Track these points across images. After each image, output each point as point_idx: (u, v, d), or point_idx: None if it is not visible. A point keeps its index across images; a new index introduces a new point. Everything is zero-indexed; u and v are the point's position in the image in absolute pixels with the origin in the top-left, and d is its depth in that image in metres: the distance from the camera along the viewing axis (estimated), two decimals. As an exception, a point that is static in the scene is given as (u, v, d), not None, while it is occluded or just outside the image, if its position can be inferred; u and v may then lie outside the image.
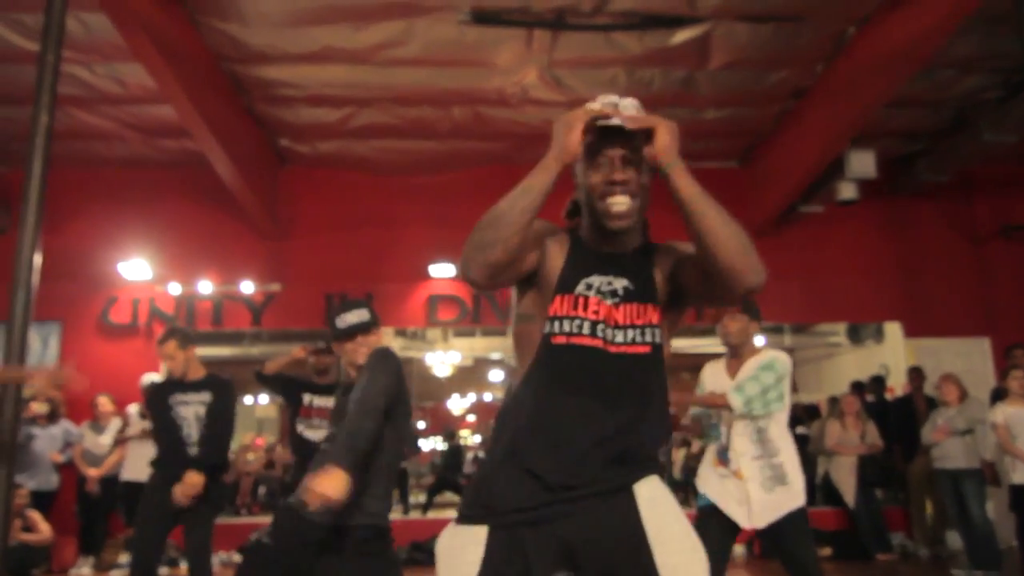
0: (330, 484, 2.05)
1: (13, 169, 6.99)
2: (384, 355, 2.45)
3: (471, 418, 11.19)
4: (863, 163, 5.72)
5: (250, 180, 6.17)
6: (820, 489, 6.61)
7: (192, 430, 3.50)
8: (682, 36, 5.09)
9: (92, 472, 6.12)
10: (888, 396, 7.17)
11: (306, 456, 3.21)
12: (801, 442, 6.39)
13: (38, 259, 3.33)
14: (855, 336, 8.26)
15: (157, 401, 3.59)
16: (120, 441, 6.16)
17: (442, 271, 7.04)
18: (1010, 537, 5.63)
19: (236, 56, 5.38)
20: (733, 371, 3.05)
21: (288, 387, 3.88)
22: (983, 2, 4.10)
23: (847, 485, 6.18)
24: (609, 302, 1.47)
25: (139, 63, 4.77)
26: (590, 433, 1.38)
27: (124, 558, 5.98)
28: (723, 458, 2.98)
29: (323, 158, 6.97)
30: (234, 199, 6.36)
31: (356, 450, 2.17)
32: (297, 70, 5.54)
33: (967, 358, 6.92)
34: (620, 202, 1.46)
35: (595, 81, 5.70)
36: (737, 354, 3.06)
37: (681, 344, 8.02)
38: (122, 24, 4.31)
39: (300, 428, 3.76)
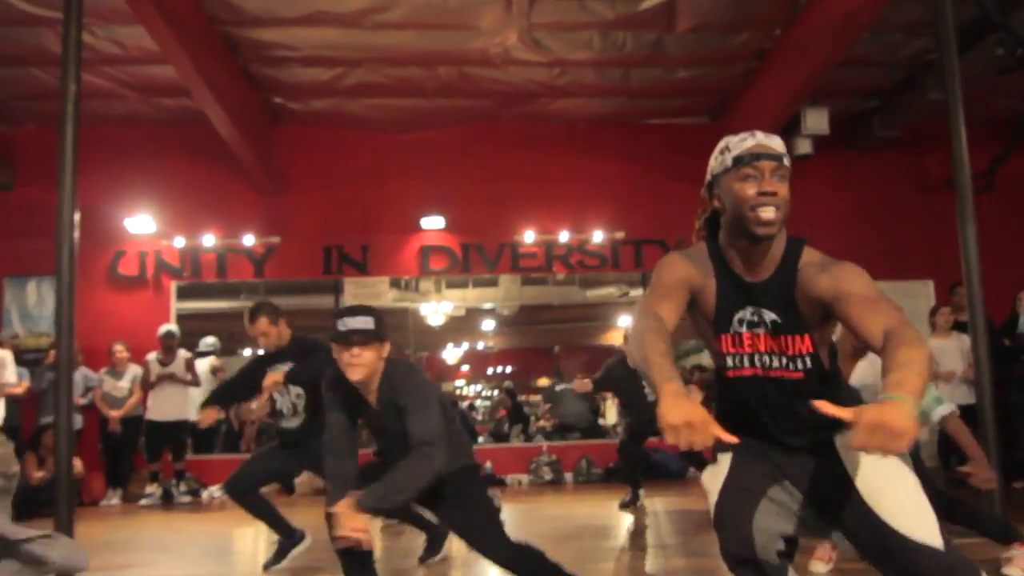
0: (357, 523, 2.15)
1: (14, 127, 7.33)
2: (422, 385, 2.40)
3: (465, 368, 11.63)
4: (818, 120, 6.20)
5: (247, 137, 6.53)
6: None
7: (285, 400, 3.58)
8: (650, 2, 5.47)
9: (113, 413, 6.64)
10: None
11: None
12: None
13: (77, 217, 3.73)
14: None
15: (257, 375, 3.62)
16: (146, 387, 6.64)
17: (433, 223, 7.50)
18: (929, 458, 6.34)
19: (231, 19, 5.69)
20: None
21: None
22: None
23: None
24: (761, 332, 1.63)
25: (141, 26, 5.08)
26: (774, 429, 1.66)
27: (150, 489, 6.57)
28: None
29: (316, 116, 7.32)
30: (232, 156, 6.74)
31: (394, 502, 2.26)
32: (290, 32, 5.86)
33: (914, 299, 7.54)
34: (769, 211, 1.57)
35: (571, 43, 6.10)
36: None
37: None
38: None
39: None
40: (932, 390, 3.05)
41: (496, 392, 10.31)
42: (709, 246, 1.71)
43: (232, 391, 3.89)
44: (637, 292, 8.08)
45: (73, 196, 3.74)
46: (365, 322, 2.34)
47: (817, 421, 1.45)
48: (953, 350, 5.43)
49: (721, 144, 1.69)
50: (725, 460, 1.67)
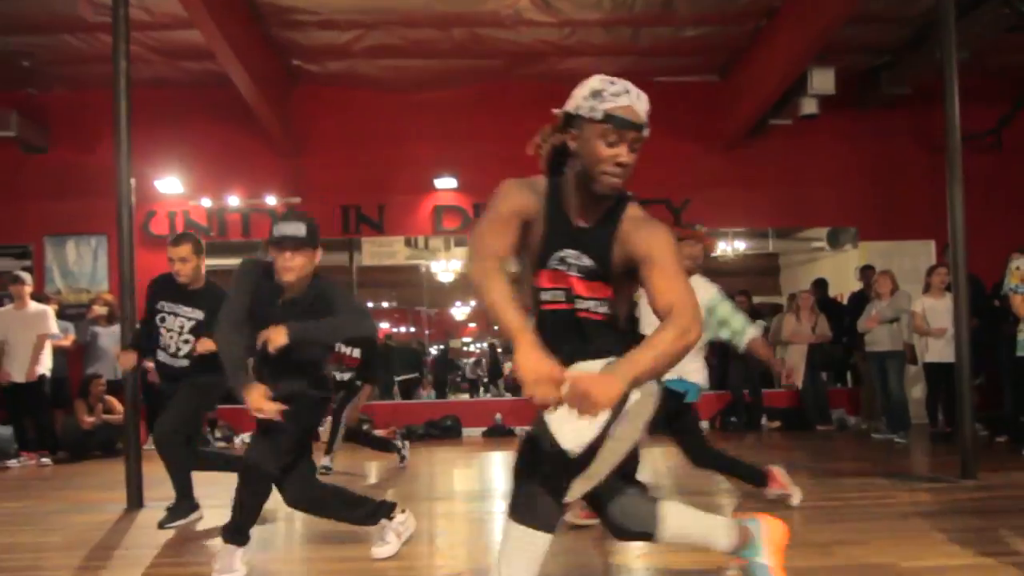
0: (264, 405, 2.41)
1: (45, 91, 7.64)
2: (354, 299, 2.69)
3: (472, 325, 11.95)
4: (824, 80, 6.28)
5: (268, 98, 6.79)
6: (776, 374, 7.54)
7: (172, 340, 3.53)
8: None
9: (150, 364, 7.07)
10: (838, 298, 7.97)
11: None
12: (762, 333, 7.34)
13: (133, 182, 4.11)
14: (835, 241, 8.84)
15: (152, 299, 3.57)
16: None
17: (446, 183, 7.75)
18: (922, 416, 6.60)
19: (254, -15, 5.90)
20: None
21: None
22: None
23: (798, 370, 7.08)
24: (577, 273, 1.72)
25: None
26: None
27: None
28: None
29: (332, 77, 7.54)
30: (253, 118, 7.01)
31: (316, 337, 2.57)
32: (309, -3, 6.03)
33: (915, 258, 7.69)
34: (617, 179, 1.65)
35: (581, 3, 6.21)
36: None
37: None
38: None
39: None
40: (741, 318, 3.31)
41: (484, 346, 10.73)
42: (550, 184, 1.75)
43: (148, 335, 3.69)
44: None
45: (128, 163, 4.11)
46: (297, 228, 2.50)
47: (580, 358, 1.66)
48: (944, 309, 5.62)
49: (593, 84, 1.66)
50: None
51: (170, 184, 7.50)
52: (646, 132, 1.65)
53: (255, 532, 2.70)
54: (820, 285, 7.85)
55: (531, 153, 1.80)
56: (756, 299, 8.81)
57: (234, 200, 7.64)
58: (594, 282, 1.71)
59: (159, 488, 3.90)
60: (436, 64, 7.27)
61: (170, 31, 6.41)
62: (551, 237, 1.71)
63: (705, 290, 3.25)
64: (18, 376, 6.12)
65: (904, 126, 7.72)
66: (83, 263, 7.73)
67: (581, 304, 1.72)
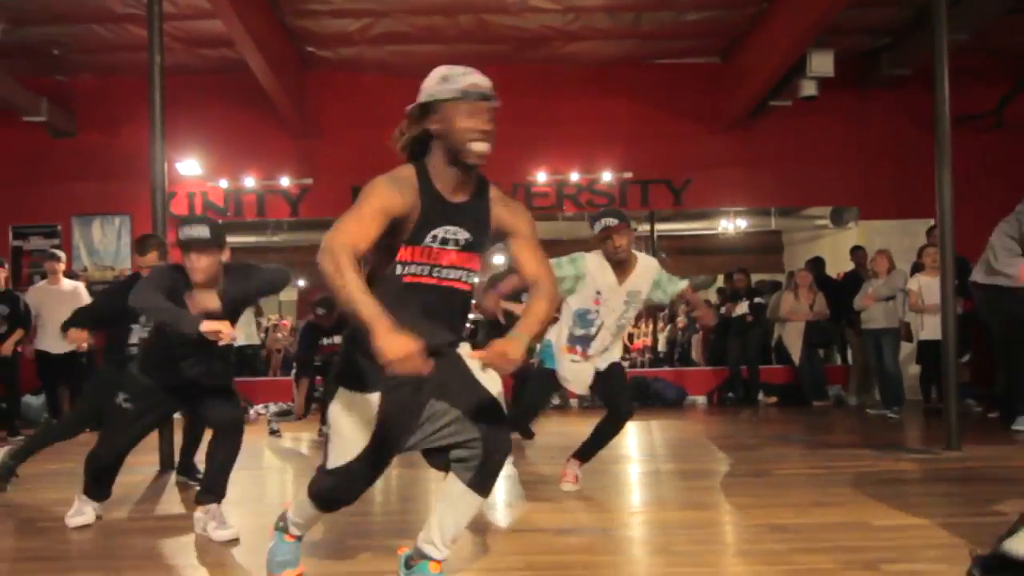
0: (221, 328, 2.57)
1: (72, 77, 7.89)
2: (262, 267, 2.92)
3: (472, 301, 12.21)
4: (823, 63, 6.40)
5: (283, 83, 6.99)
6: (774, 350, 7.78)
7: None
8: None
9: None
10: (838, 276, 8.12)
11: None
12: (759, 310, 7.55)
13: (167, 167, 4.38)
14: (838, 219, 8.96)
15: None
16: None
17: (453, 165, 7.95)
18: (914, 391, 6.77)
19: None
20: (622, 278, 3.29)
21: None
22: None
23: (795, 346, 7.31)
24: (451, 248, 1.84)
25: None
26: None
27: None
28: (582, 346, 3.34)
29: (343, 62, 7.73)
30: (267, 102, 7.22)
31: (246, 298, 2.95)
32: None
33: (915, 237, 7.81)
34: (484, 146, 1.79)
35: (586, -10, 6.35)
36: (624, 264, 3.28)
37: (662, 228, 9.00)
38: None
39: None
40: (675, 280, 3.44)
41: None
42: (417, 168, 1.85)
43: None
44: (644, 228, 8.48)
45: (162, 151, 4.38)
46: (201, 231, 2.59)
47: (458, 327, 1.94)
48: (938, 287, 5.78)
49: (441, 71, 1.83)
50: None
51: (189, 166, 7.76)
52: (496, 102, 1.83)
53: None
54: (816, 263, 8.00)
55: (393, 147, 1.93)
56: (760, 276, 9.01)
57: (250, 181, 7.90)
58: (468, 253, 1.87)
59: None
60: (443, 49, 7.42)
61: (192, 21, 6.62)
62: (428, 216, 1.80)
63: (650, 263, 3.40)
64: (52, 348, 6.45)
65: (904, 107, 7.82)
66: (108, 242, 8.05)
67: (452, 274, 1.87)
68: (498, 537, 2.74)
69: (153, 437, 4.54)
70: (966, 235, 6.37)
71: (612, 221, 3.21)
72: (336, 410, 1.89)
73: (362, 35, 7.06)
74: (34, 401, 6.97)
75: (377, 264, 1.88)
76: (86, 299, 6.72)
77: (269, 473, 4.60)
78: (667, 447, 5.17)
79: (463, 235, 1.85)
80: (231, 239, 2.80)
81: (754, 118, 7.74)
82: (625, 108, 7.87)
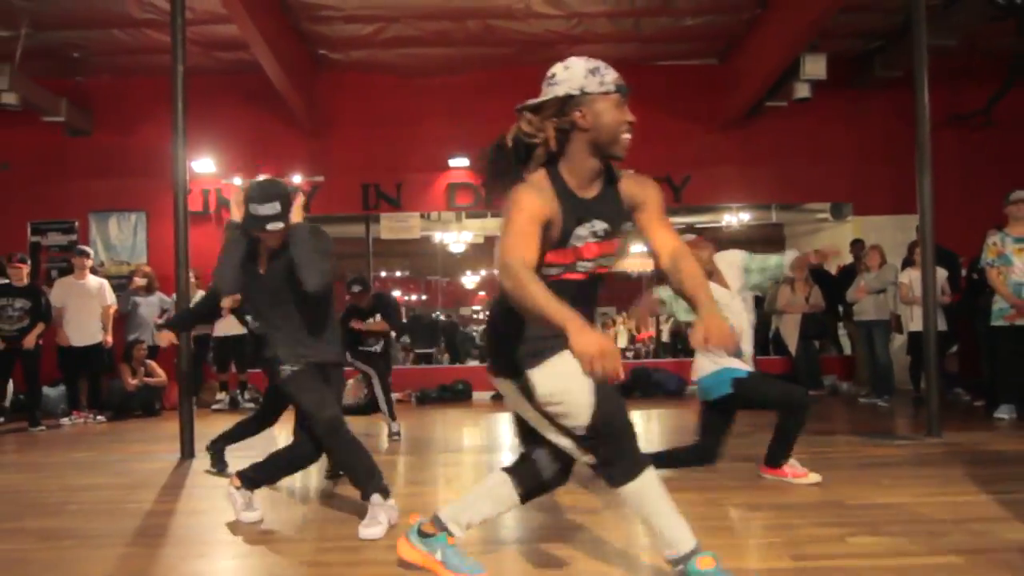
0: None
1: (92, 78, 8.14)
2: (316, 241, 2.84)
3: (482, 293, 12.37)
4: (816, 66, 6.62)
5: (295, 84, 7.25)
6: (771, 342, 8.02)
7: None
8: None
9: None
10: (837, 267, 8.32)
11: None
12: (757, 303, 7.75)
13: (189, 167, 4.64)
14: (838, 212, 9.11)
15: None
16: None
17: (459, 163, 8.22)
18: (907, 381, 6.99)
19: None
20: (722, 284, 3.44)
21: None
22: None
23: (791, 338, 7.51)
24: (592, 241, 1.85)
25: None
26: None
27: (219, 396, 7.67)
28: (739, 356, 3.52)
29: (354, 64, 7.97)
30: (280, 102, 7.48)
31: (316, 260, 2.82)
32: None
33: (908, 232, 8.03)
34: (629, 138, 1.82)
35: (587, -3, 6.58)
36: (712, 276, 3.40)
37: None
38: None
39: None
40: (767, 257, 3.54)
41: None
42: (549, 172, 1.83)
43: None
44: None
45: (184, 154, 4.63)
46: (273, 208, 2.68)
47: (594, 310, 1.92)
48: (930, 282, 6.03)
49: (589, 64, 1.80)
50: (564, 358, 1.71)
51: (204, 164, 8.02)
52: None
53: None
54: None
55: (529, 140, 1.86)
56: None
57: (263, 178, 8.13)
58: (608, 241, 1.86)
59: (206, 441, 4.37)
60: (451, 52, 7.68)
61: (208, 25, 6.86)
62: (569, 218, 1.80)
63: (731, 256, 3.55)
64: (76, 341, 6.72)
65: (897, 107, 8.01)
66: (124, 237, 8.30)
67: (594, 264, 1.87)
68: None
69: (175, 426, 4.81)
70: (959, 230, 6.65)
71: (688, 237, 3.27)
72: (551, 381, 1.82)
73: (373, 39, 7.30)
74: (52, 393, 7.21)
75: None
76: (110, 296, 7.00)
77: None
78: (666, 435, 5.44)
79: (601, 226, 1.85)
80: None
81: (751, 118, 7.98)
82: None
